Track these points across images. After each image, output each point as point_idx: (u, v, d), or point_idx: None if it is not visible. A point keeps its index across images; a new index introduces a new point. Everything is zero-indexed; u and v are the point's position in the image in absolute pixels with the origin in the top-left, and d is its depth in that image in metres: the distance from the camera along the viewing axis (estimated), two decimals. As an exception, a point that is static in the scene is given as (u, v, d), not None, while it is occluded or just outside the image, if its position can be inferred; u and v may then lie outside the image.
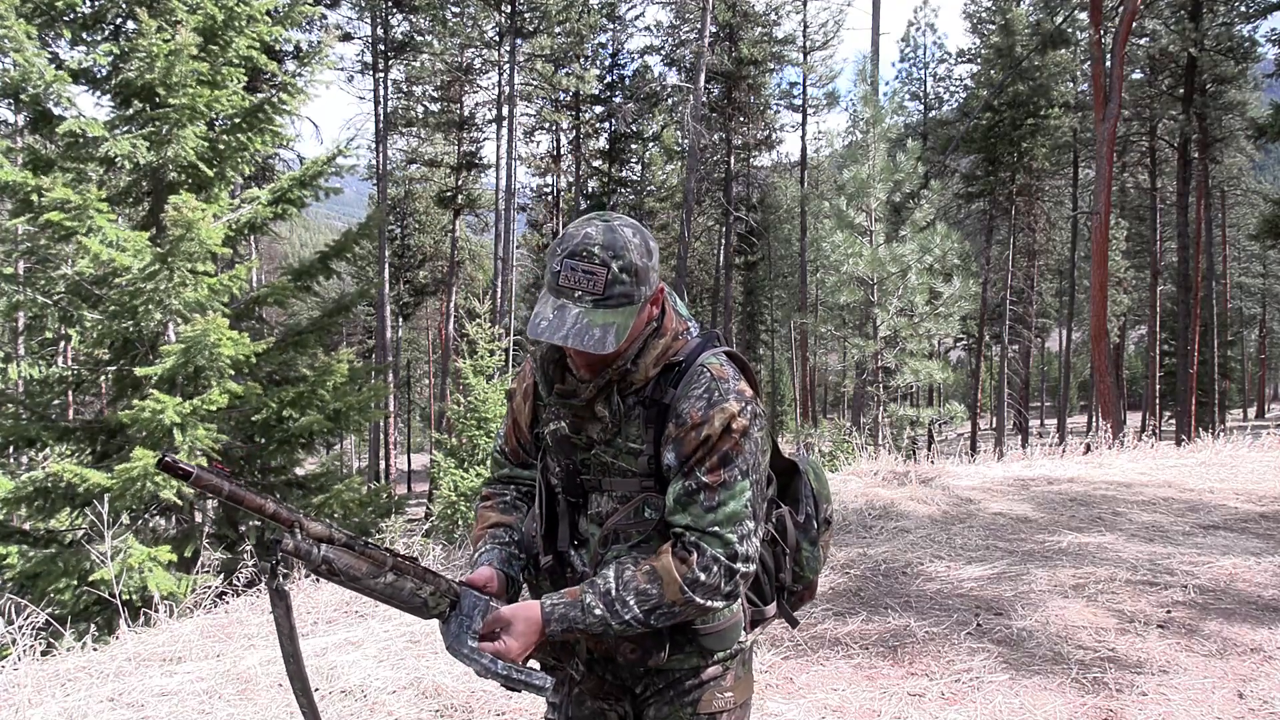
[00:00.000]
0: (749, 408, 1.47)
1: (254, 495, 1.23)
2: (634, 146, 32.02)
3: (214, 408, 6.83)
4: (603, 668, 1.61)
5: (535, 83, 28.54)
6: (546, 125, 31.52)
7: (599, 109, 30.77)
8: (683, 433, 1.46)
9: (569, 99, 30.15)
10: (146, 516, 7.46)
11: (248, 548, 7.07)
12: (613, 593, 1.43)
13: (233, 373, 7.14)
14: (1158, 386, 30.27)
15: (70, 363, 11.77)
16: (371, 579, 1.36)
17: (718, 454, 1.45)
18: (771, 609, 1.71)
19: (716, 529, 1.44)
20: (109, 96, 8.04)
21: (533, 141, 32.49)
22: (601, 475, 1.55)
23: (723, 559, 1.44)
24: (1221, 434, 11.71)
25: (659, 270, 1.49)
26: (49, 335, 8.59)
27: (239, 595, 5.08)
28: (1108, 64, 16.49)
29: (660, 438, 1.49)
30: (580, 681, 1.59)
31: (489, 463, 1.80)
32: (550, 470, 1.62)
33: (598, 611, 1.43)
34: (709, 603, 1.45)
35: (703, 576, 1.43)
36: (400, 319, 36.17)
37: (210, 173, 7.84)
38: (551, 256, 1.43)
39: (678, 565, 1.44)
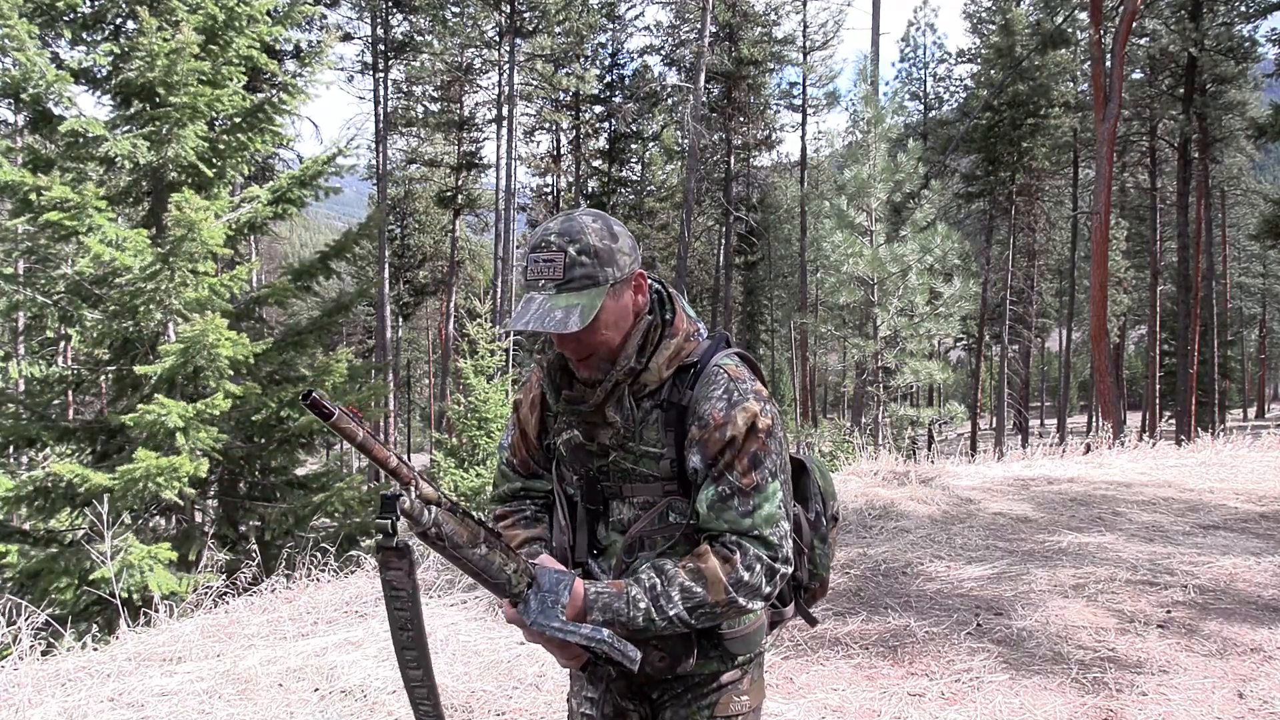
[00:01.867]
0: (769, 407, 1.48)
1: (381, 446, 1.18)
2: (634, 146, 32.04)
3: (217, 412, 6.82)
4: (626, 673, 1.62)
5: (535, 83, 28.56)
6: (546, 125, 31.54)
7: (599, 109, 30.79)
8: (706, 434, 1.45)
9: (569, 99, 30.17)
10: (147, 516, 7.46)
11: (248, 548, 7.07)
12: (658, 588, 1.41)
13: (232, 373, 7.14)
14: (1158, 386, 30.26)
15: (70, 363, 11.77)
16: (470, 549, 1.31)
17: (747, 456, 1.44)
18: (790, 610, 1.71)
19: (758, 531, 1.44)
20: (109, 96, 8.04)
21: (533, 141, 32.54)
22: (622, 482, 1.53)
23: (765, 559, 1.44)
24: (1221, 434, 11.72)
25: (633, 256, 1.48)
26: (49, 335, 8.59)
27: (239, 595, 5.08)
28: (1108, 64, 16.49)
29: (680, 440, 1.48)
30: (615, 679, 1.59)
31: (495, 476, 1.78)
32: (566, 480, 1.61)
33: (642, 604, 1.41)
34: (750, 604, 1.44)
35: (746, 576, 1.42)
36: (400, 319, 36.19)
37: (210, 172, 7.85)
38: (522, 261, 1.47)
39: (722, 565, 1.42)
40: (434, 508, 1.26)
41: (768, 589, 1.45)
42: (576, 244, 1.41)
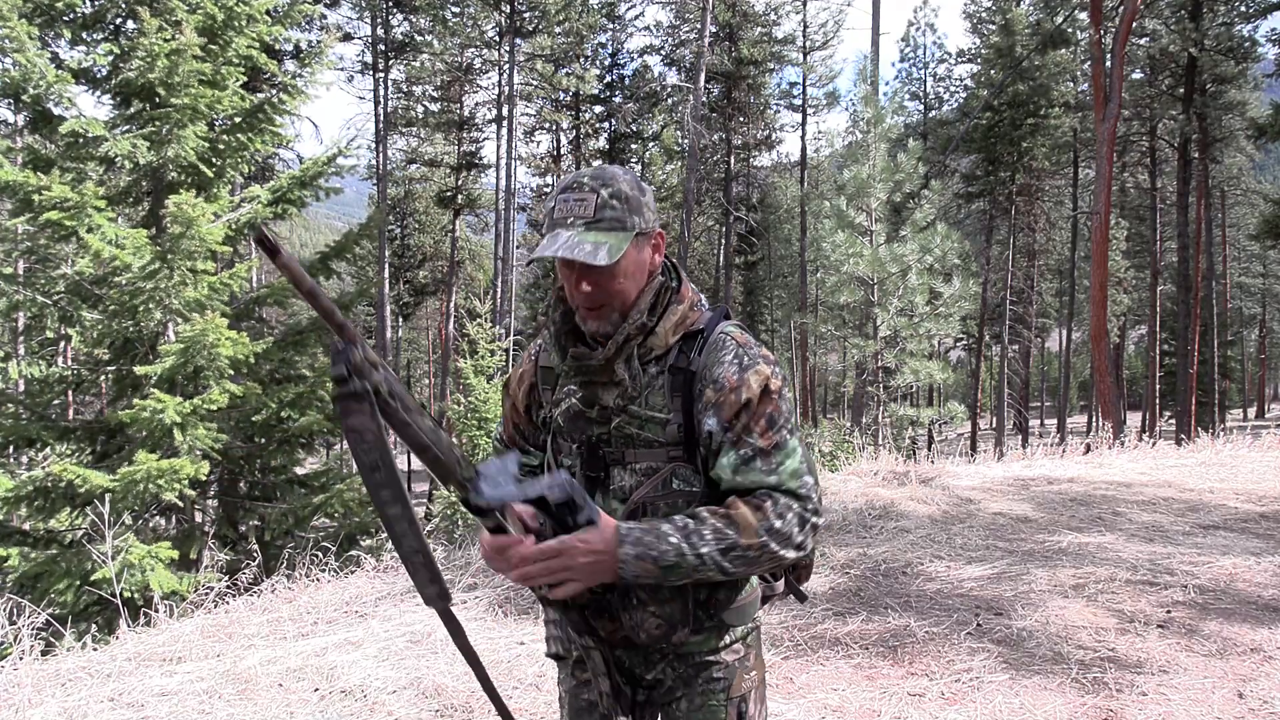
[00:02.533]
0: (777, 369, 1.51)
1: (327, 299, 1.12)
2: (634, 146, 32.02)
3: (214, 407, 6.82)
4: (621, 653, 1.60)
5: (535, 83, 28.55)
6: (546, 125, 31.53)
7: (599, 109, 30.78)
8: (722, 396, 1.46)
9: (569, 99, 30.16)
10: (147, 516, 7.46)
11: (248, 548, 7.07)
12: (690, 526, 1.40)
13: (232, 372, 7.14)
14: (1158, 386, 30.26)
15: (70, 363, 11.77)
16: (419, 415, 1.24)
17: (763, 417, 1.46)
18: (780, 585, 1.71)
19: (785, 485, 1.45)
20: (109, 96, 8.04)
21: (533, 141, 32.53)
22: (625, 448, 1.52)
23: (796, 509, 1.44)
24: (1221, 434, 11.72)
25: (656, 215, 1.52)
26: (49, 335, 8.59)
27: (239, 595, 5.08)
28: (1108, 64, 16.49)
29: (688, 405, 1.49)
30: (601, 644, 1.58)
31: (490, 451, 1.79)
32: (562, 450, 1.60)
33: (673, 539, 1.39)
34: (782, 550, 1.43)
35: (778, 524, 1.42)
36: (400, 319, 36.18)
37: (210, 173, 7.85)
38: (547, 205, 1.48)
39: (753, 513, 1.42)
40: (381, 369, 1.19)
41: (800, 537, 1.44)
42: (609, 188, 1.44)
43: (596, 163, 31.28)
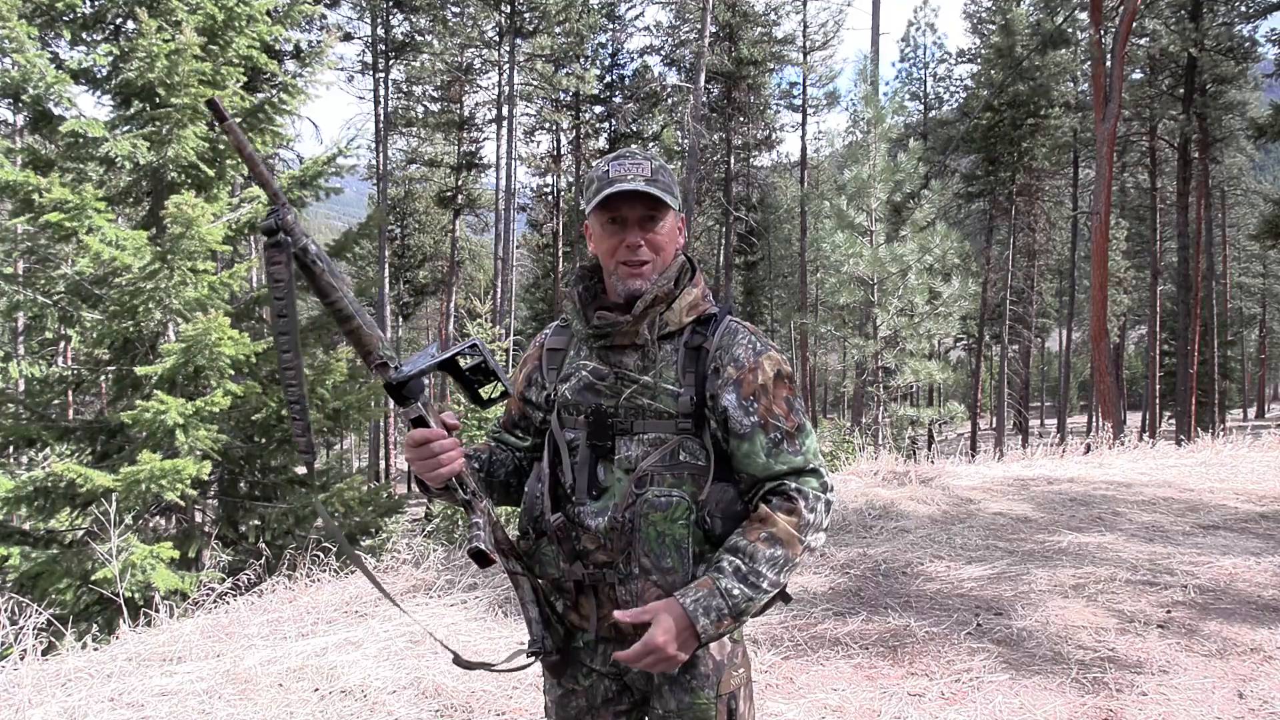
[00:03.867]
0: (784, 358, 1.61)
1: (263, 168, 1.23)
2: (634, 147, 31.95)
3: (216, 409, 6.82)
4: (608, 648, 1.60)
5: (535, 83, 28.55)
6: (546, 125, 31.53)
7: (599, 109, 30.77)
8: (742, 375, 1.54)
9: (569, 99, 30.15)
10: (147, 516, 7.46)
11: (250, 548, 7.07)
12: (742, 569, 1.45)
13: (233, 372, 7.14)
14: (1158, 386, 30.26)
15: (70, 363, 11.77)
16: (345, 287, 1.33)
17: (782, 400, 1.55)
18: None
19: (813, 465, 1.54)
20: (109, 96, 8.04)
21: (533, 141, 32.53)
22: (634, 418, 1.56)
23: (820, 493, 1.52)
24: (1221, 434, 11.73)
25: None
26: (49, 335, 8.58)
27: (240, 595, 5.08)
28: (1108, 64, 16.50)
29: (700, 381, 1.55)
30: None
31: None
32: (566, 424, 1.62)
33: (736, 592, 1.44)
34: (815, 540, 1.52)
35: (811, 518, 1.50)
36: (400, 319, 36.16)
37: (210, 172, 7.85)
38: (596, 172, 1.58)
39: (788, 519, 1.49)
40: (310, 240, 1.30)
41: (825, 521, 1.54)
42: (655, 162, 1.59)
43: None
